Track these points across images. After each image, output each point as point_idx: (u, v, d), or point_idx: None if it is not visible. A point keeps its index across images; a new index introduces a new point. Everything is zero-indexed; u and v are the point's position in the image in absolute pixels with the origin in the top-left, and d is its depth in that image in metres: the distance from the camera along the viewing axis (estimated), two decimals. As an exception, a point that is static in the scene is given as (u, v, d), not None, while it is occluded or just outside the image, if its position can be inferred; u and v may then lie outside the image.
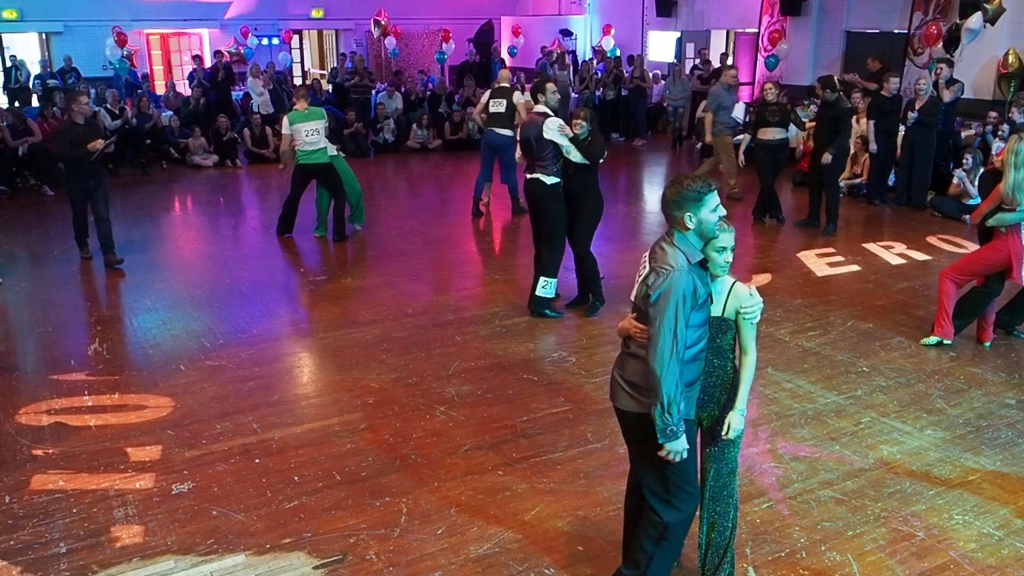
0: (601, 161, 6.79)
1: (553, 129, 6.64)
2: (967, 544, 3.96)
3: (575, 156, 6.67)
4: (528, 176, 6.86)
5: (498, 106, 10.23)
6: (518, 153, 7.22)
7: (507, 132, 10.15)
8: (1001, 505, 4.27)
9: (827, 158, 9.27)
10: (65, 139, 8.12)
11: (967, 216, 9.46)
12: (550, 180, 6.72)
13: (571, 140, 6.64)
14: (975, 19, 11.74)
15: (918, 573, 3.77)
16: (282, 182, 11.87)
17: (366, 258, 8.92)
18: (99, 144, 8.09)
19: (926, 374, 5.85)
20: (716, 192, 3.12)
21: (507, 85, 10.48)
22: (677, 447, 3.15)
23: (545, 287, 6.89)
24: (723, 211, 3.16)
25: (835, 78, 9.68)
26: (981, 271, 6.15)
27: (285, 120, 9.26)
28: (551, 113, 6.86)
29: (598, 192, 6.89)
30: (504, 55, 19.61)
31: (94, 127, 8.43)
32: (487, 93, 10.64)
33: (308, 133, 9.11)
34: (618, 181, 13.10)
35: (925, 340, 6.32)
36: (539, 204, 6.85)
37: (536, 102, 7.10)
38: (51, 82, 16.29)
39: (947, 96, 10.60)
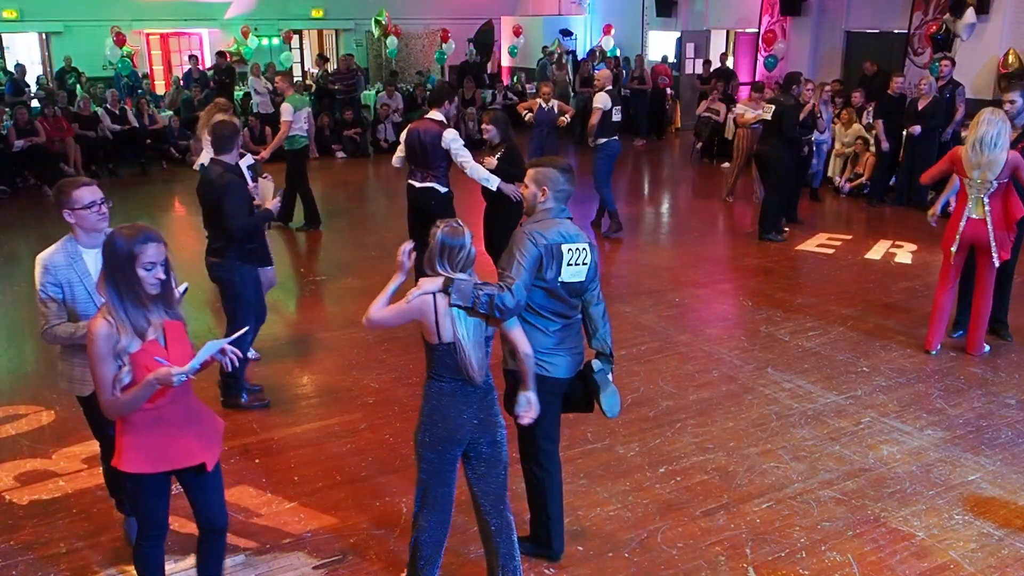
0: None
1: (449, 139, 6.45)
2: (967, 544, 3.96)
3: (470, 170, 6.44)
4: (419, 185, 6.64)
5: (618, 113, 9.35)
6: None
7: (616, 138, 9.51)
8: (1001, 505, 4.27)
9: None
10: (240, 202, 4.98)
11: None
12: (444, 189, 6.61)
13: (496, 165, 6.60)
14: (969, 14, 11.72)
15: (918, 573, 3.77)
16: (282, 183, 11.85)
17: (366, 258, 8.92)
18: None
19: (926, 374, 5.84)
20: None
21: (611, 87, 9.53)
22: None
23: None
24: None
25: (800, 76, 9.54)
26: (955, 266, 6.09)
27: (289, 106, 9.31)
28: (448, 124, 6.61)
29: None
30: (504, 54, 19.65)
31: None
32: (603, 98, 9.18)
33: (306, 118, 9.49)
34: (619, 181, 13.07)
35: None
36: (433, 214, 6.70)
37: (437, 106, 6.67)
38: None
39: (961, 110, 10.50)
